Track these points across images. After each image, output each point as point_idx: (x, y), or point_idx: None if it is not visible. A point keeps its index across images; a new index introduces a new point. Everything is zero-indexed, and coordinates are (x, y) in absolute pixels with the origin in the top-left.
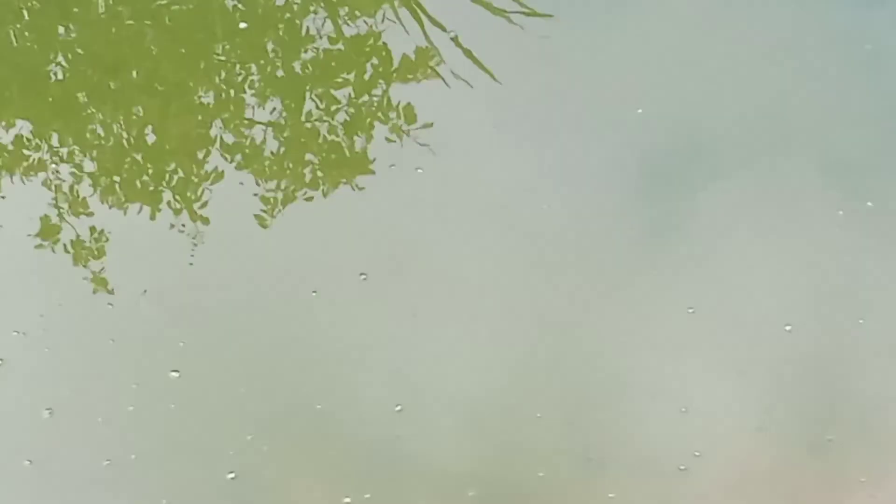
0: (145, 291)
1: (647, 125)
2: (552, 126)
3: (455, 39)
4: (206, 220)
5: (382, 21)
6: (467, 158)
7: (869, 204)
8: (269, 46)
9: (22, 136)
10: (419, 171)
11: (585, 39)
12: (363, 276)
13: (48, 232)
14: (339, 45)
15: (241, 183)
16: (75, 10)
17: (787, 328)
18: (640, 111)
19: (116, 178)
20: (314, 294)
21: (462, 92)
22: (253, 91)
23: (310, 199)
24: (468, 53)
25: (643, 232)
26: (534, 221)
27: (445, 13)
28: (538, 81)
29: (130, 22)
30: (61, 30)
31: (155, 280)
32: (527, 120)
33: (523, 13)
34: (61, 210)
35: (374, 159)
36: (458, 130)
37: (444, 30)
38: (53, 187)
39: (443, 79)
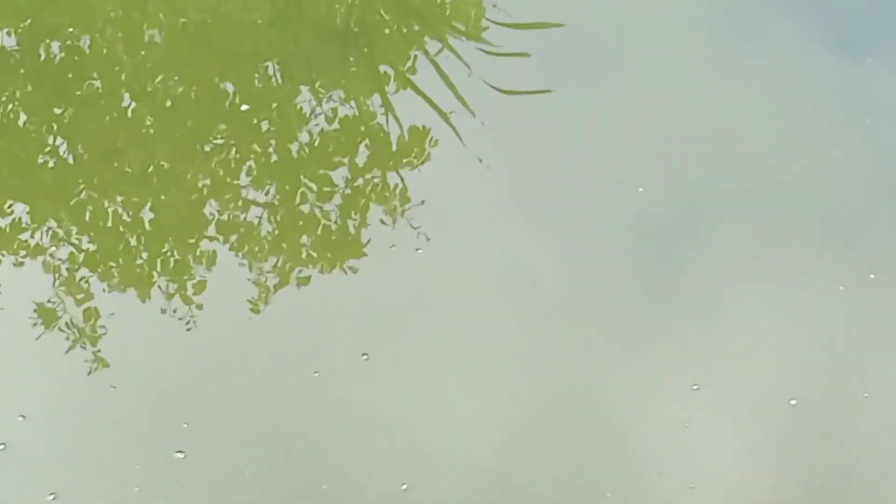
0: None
1: (647, 197)
2: (550, 198)
3: (448, 119)
4: (200, 306)
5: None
6: (466, 234)
7: (871, 276)
8: (265, 128)
9: (21, 219)
10: (419, 251)
11: (582, 112)
12: (365, 357)
13: (47, 314)
14: (336, 126)
15: (240, 264)
16: (77, 92)
17: (793, 402)
18: (640, 189)
19: (113, 263)
20: (316, 374)
21: (460, 168)
22: (249, 175)
23: (305, 280)
24: (459, 134)
25: (645, 305)
26: (535, 296)
27: (442, 91)
28: (535, 155)
29: (128, 105)
30: (58, 111)
31: (157, 362)
32: (526, 193)
33: (520, 92)
34: (60, 293)
35: (370, 240)
36: (456, 207)
37: (444, 117)
38: (52, 270)
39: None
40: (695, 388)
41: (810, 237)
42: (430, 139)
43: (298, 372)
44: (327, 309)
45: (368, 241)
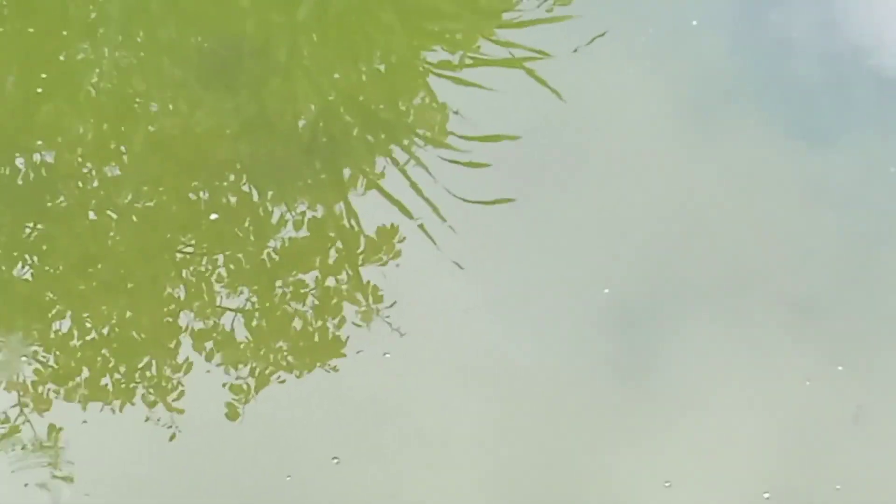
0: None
1: (614, 296)
2: (520, 299)
3: (422, 227)
4: (180, 411)
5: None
6: (437, 331)
7: (839, 368)
8: (237, 236)
9: None
10: (387, 356)
11: (546, 217)
12: (335, 461)
13: (12, 432)
14: (305, 231)
15: (208, 371)
16: (48, 203)
17: (766, 496)
18: (606, 291)
19: (80, 378)
20: (288, 478)
21: (432, 269)
22: (221, 282)
23: (283, 382)
24: (432, 238)
25: (616, 401)
26: (508, 394)
27: (411, 197)
28: (502, 258)
29: (95, 217)
30: (28, 227)
31: (127, 474)
32: (497, 295)
33: (484, 202)
34: (25, 409)
35: (348, 338)
36: (426, 307)
37: (410, 216)
38: (18, 388)
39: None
40: (667, 484)
41: (778, 328)
42: (399, 237)
43: (271, 477)
44: (300, 411)
45: (347, 339)
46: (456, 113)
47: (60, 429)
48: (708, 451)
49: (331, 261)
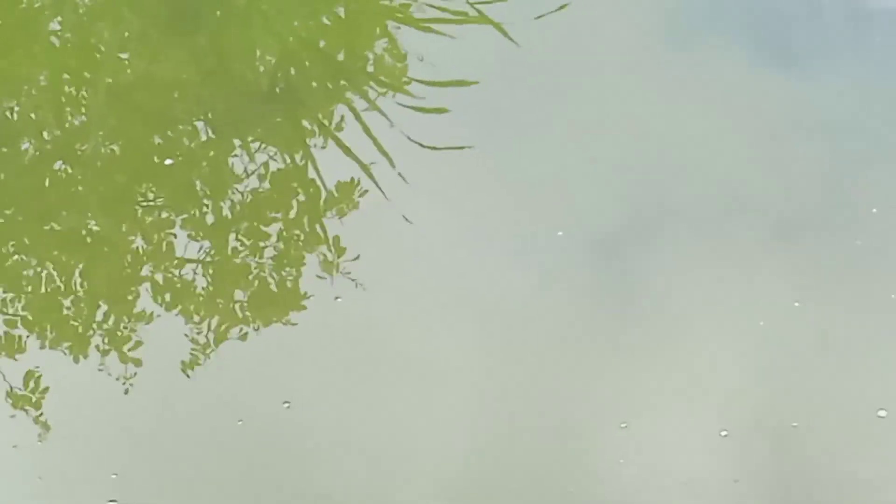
0: None
1: (567, 240)
2: (484, 241)
3: (369, 172)
4: (137, 362)
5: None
6: (394, 284)
7: (796, 304)
8: (197, 186)
9: None
10: (339, 300)
11: (514, 157)
12: (286, 405)
13: None
14: (266, 184)
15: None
16: (3, 149)
17: (724, 433)
18: (560, 233)
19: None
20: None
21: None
22: (182, 232)
23: (244, 336)
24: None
25: (596, 331)
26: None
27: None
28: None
29: (59, 167)
30: None
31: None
32: (452, 244)
33: (442, 148)
34: None
35: (308, 294)
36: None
37: (366, 169)
38: None
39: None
40: (622, 426)
41: (760, 254)
42: (359, 190)
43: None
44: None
45: (306, 294)
46: (420, 60)
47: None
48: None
49: (292, 213)
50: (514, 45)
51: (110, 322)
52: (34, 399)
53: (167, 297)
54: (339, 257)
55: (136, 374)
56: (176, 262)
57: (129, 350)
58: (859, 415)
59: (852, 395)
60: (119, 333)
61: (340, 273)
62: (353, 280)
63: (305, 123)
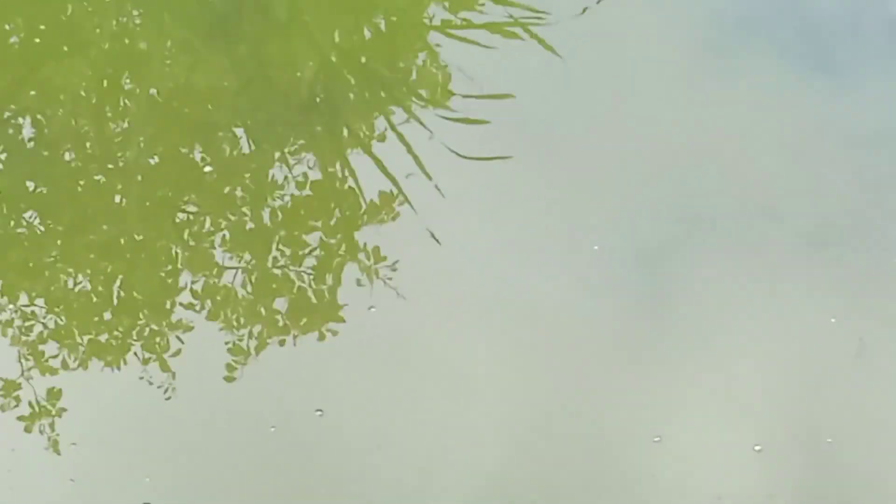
0: None
1: (604, 254)
2: (526, 253)
3: (398, 185)
4: (174, 373)
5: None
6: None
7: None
8: (238, 195)
9: None
10: (372, 309)
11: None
12: (319, 413)
13: (9, 389)
14: (307, 191)
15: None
16: (49, 160)
17: (758, 448)
18: (596, 248)
19: (83, 338)
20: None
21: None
22: (222, 244)
23: (283, 342)
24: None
25: (626, 339)
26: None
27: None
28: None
29: (99, 178)
30: (30, 185)
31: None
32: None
33: (481, 158)
34: (27, 369)
35: (346, 304)
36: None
37: (395, 183)
38: (20, 345)
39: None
40: (655, 440)
41: (792, 264)
42: (399, 200)
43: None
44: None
45: (345, 305)
46: (460, 72)
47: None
48: (712, 401)
49: (331, 222)
50: (555, 56)
51: (148, 331)
52: (56, 408)
53: (207, 304)
54: (376, 263)
55: (173, 382)
56: (216, 270)
57: (169, 357)
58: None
59: (888, 411)
60: (158, 341)
61: (381, 279)
62: (392, 288)
63: (344, 134)
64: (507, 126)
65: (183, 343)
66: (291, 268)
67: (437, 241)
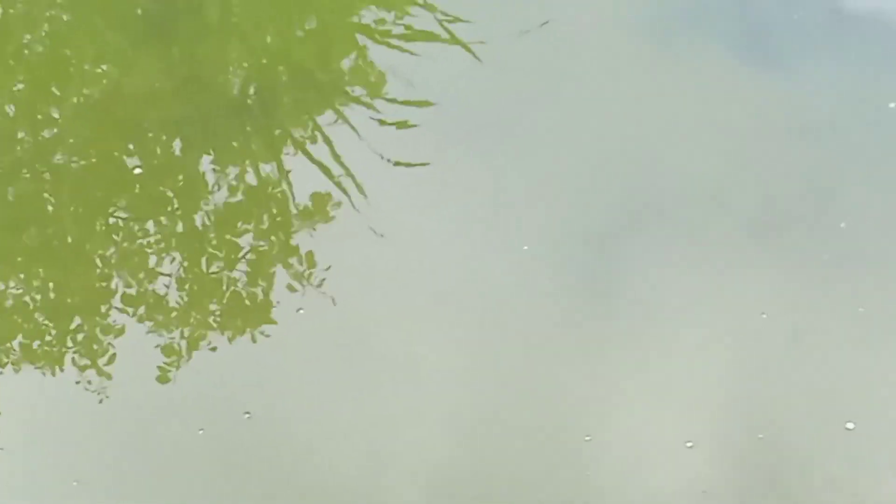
0: None
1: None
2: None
3: (340, 185)
4: (108, 376)
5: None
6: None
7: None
8: (170, 198)
9: None
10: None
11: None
12: (247, 415)
13: None
14: (239, 196)
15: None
16: None
17: (689, 444)
18: (525, 248)
19: (15, 342)
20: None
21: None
22: (153, 247)
23: (214, 349)
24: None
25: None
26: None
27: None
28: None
29: (28, 176)
30: None
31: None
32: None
33: (406, 164)
34: None
35: (278, 303)
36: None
37: (337, 184)
38: None
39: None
40: (587, 439)
41: (735, 253)
42: (332, 202)
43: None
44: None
45: (277, 304)
46: (389, 75)
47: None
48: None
49: (264, 225)
50: (480, 62)
51: (82, 335)
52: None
53: (140, 309)
54: (308, 268)
55: (107, 386)
56: (148, 274)
57: (104, 365)
58: (827, 427)
59: (820, 408)
60: (94, 347)
61: (311, 285)
62: (323, 293)
63: (277, 135)
64: (447, 124)
65: (114, 348)
66: (224, 272)
67: (379, 235)
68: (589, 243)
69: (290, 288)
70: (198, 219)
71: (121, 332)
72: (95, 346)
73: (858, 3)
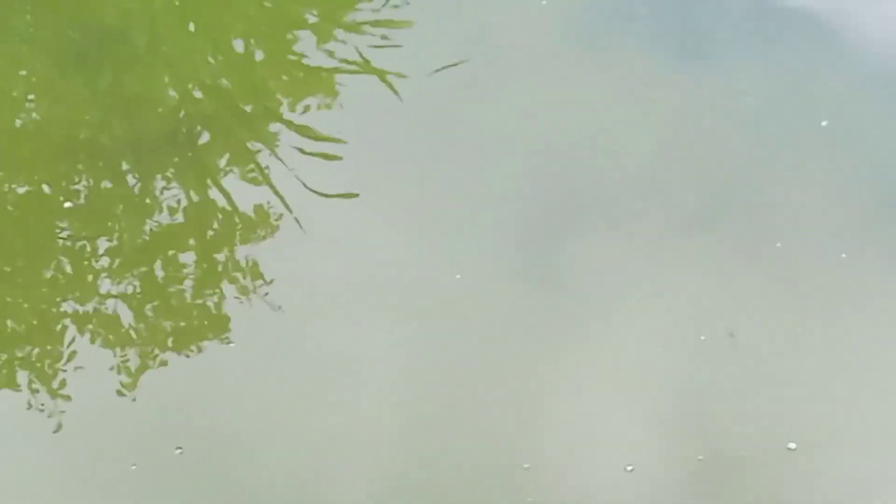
0: None
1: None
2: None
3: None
4: (67, 398)
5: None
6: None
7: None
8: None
9: None
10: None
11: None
12: (179, 450)
13: None
14: (179, 217)
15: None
16: None
17: (629, 468)
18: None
19: None
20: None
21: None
22: (101, 265)
23: (164, 363)
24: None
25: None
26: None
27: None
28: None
29: None
30: None
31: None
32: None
33: (331, 195)
34: None
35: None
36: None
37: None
38: None
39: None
40: (526, 467)
41: (670, 246)
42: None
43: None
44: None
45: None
46: (319, 105)
47: None
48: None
49: (205, 244)
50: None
51: (34, 359)
52: None
53: (90, 329)
54: (255, 281)
55: (58, 406)
56: (98, 296)
57: (57, 388)
58: (768, 447)
59: (761, 428)
60: (47, 371)
61: (257, 295)
62: (268, 304)
63: (208, 162)
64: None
65: (65, 370)
66: (171, 287)
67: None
68: (527, 250)
69: (237, 299)
70: (140, 240)
71: (72, 354)
72: (43, 366)
73: None
